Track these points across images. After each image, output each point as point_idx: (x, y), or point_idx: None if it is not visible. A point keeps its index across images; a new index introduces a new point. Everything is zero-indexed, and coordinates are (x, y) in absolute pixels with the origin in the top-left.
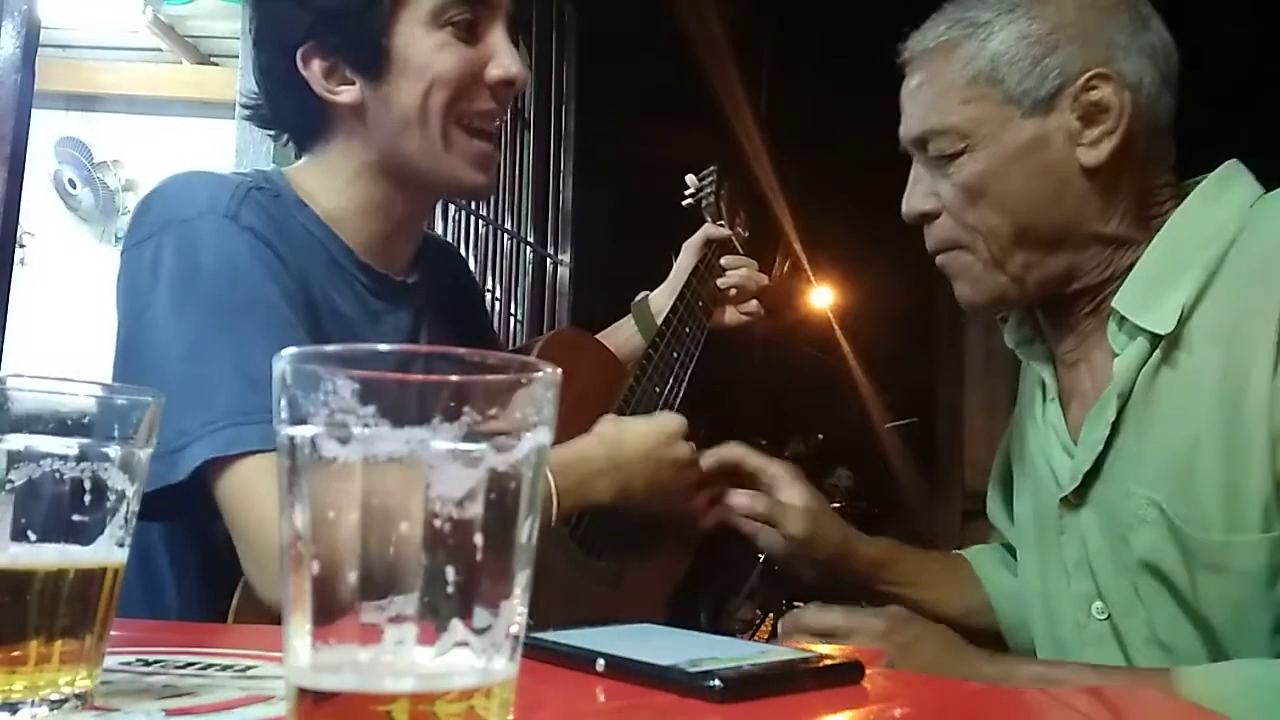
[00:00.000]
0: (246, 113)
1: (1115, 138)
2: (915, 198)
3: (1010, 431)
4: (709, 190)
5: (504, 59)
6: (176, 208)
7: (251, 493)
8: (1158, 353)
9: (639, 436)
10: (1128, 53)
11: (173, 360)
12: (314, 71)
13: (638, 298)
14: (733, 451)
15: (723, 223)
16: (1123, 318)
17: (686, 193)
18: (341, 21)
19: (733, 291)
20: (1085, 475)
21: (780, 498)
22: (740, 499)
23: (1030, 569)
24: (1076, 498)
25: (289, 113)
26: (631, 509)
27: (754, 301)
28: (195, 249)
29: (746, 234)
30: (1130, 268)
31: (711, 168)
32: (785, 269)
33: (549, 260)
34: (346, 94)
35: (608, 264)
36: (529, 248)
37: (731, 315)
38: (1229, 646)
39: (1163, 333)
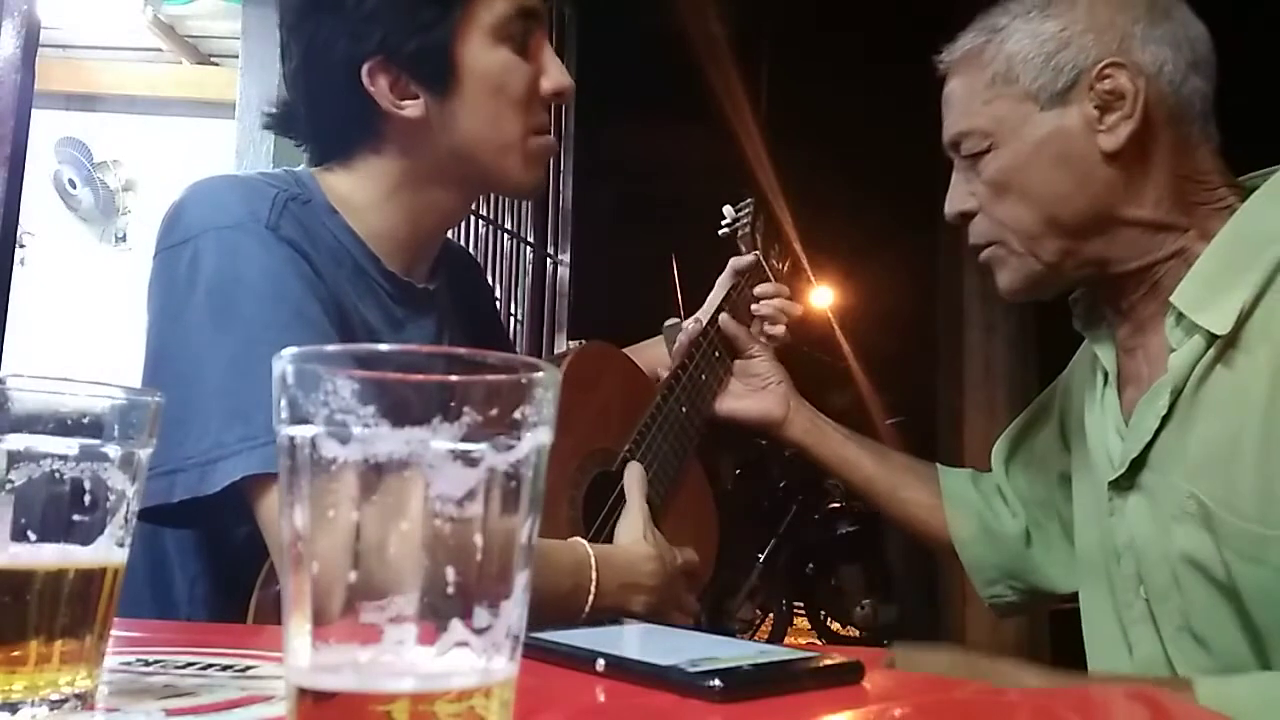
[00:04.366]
0: (270, 121)
1: (1133, 122)
2: (955, 199)
3: (1052, 389)
4: (745, 222)
5: (554, 71)
6: (215, 214)
7: None
8: (1213, 351)
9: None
10: (1144, 42)
11: (211, 371)
12: (380, 86)
13: (669, 322)
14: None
15: (758, 252)
16: (1181, 314)
17: (723, 223)
18: (411, 36)
19: (765, 322)
20: (1133, 462)
21: (758, 370)
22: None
23: (1090, 543)
24: (1126, 481)
25: (338, 125)
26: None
27: (781, 326)
28: (236, 258)
29: (782, 267)
30: (1178, 254)
31: (748, 200)
32: (785, 269)
33: (549, 260)
34: (412, 108)
35: (608, 264)
36: (529, 248)
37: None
38: (1269, 642)
39: (1220, 333)
